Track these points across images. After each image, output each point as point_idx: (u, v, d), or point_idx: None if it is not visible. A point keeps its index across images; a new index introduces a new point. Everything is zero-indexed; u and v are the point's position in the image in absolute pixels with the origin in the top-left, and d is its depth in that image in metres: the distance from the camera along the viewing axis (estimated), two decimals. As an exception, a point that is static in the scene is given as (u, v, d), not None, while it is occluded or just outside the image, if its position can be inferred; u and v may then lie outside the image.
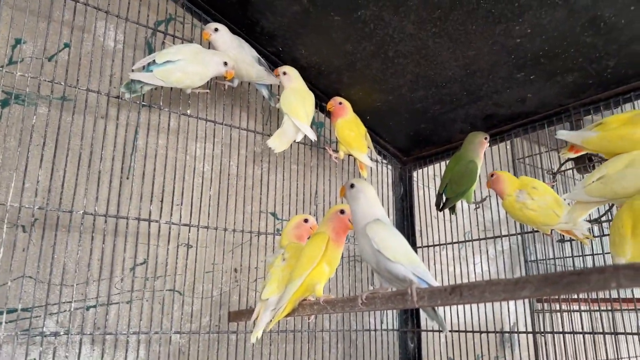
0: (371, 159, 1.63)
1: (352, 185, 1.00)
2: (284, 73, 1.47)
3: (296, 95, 1.44)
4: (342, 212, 1.04)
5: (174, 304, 1.32)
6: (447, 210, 1.75)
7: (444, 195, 1.58)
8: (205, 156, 1.46)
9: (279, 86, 1.59)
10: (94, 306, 1.20)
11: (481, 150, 1.49)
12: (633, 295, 1.67)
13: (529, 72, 1.32)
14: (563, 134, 1.21)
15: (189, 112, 1.36)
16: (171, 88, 1.34)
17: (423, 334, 1.75)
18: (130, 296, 1.25)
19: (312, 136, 1.45)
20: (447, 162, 1.60)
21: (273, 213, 1.58)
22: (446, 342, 1.89)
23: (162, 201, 1.30)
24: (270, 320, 1.07)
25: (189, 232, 1.33)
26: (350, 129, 1.56)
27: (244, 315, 1.24)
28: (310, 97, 1.49)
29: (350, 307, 0.95)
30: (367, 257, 0.95)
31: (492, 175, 1.26)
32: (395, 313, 1.76)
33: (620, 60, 1.19)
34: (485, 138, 1.49)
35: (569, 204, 1.27)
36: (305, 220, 1.20)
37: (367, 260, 0.96)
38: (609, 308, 1.94)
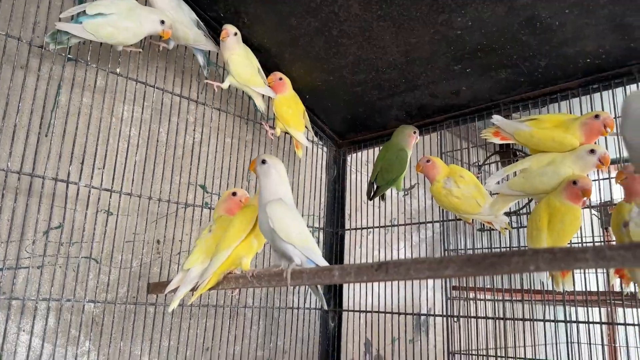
0: (307, 139, 1.62)
1: (263, 161, 1.01)
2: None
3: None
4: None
5: (89, 272, 1.25)
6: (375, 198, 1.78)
7: (374, 184, 1.60)
8: (133, 120, 1.38)
9: (217, 54, 1.53)
10: (1, 269, 1.11)
11: (410, 142, 1.53)
12: (543, 287, 1.79)
13: (465, 65, 1.35)
14: (498, 119, 1.26)
15: (118, 70, 1.28)
16: (101, 43, 1.25)
17: (344, 314, 1.78)
18: (41, 261, 1.16)
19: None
20: (379, 150, 1.62)
21: (202, 186, 1.53)
22: (365, 323, 1.94)
23: (82, 163, 1.21)
24: (193, 293, 1.05)
25: (110, 197, 1.26)
26: (288, 106, 1.54)
27: (164, 288, 1.19)
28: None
29: (277, 281, 0.94)
30: (264, 233, 0.99)
31: (428, 161, 1.29)
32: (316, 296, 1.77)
33: (551, 61, 1.25)
34: (415, 132, 1.53)
35: (491, 194, 1.33)
36: (234, 194, 1.17)
37: (265, 237, 1.00)
38: (516, 298, 2.07)
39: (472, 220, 1.38)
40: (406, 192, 1.62)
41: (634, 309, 2.21)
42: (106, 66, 1.27)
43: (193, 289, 1.06)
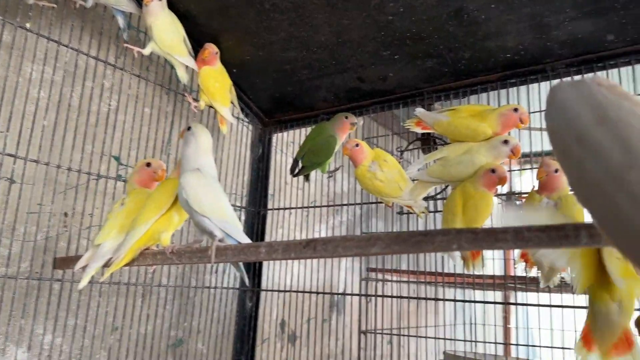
0: (233, 115, 1.58)
1: (189, 128, 0.98)
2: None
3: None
4: None
5: (-15, 244, 1.14)
6: (299, 178, 1.78)
7: (300, 162, 1.59)
8: (42, 81, 1.26)
9: (139, 17, 1.44)
10: None
11: (343, 130, 1.51)
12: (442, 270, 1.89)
13: (394, 51, 1.37)
14: (420, 111, 1.30)
15: (28, 25, 1.16)
16: (7, -7, 1.13)
17: (262, 294, 1.77)
18: None
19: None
20: (310, 130, 1.61)
21: (116, 157, 1.44)
22: (282, 303, 1.95)
23: (-19, 124, 1.10)
24: (105, 269, 0.99)
25: (14, 164, 1.15)
26: (215, 80, 1.48)
27: (72, 263, 1.11)
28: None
29: (199, 258, 0.91)
30: (182, 206, 0.95)
31: (356, 145, 1.30)
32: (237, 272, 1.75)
33: (474, 54, 1.30)
34: (347, 117, 1.51)
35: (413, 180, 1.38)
36: (148, 164, 1.10)
37: (184, 210, 0.96)
38: (426, 280, 2.18)
39: (392, 203, 1.41)
40: (330, 175, 1.63)
41: (528, 293, 2.41)
42: (14, 20, 1.15)
43: (105, 265, 1.00)
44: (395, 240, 0.69)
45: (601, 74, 1.19)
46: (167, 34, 1.34)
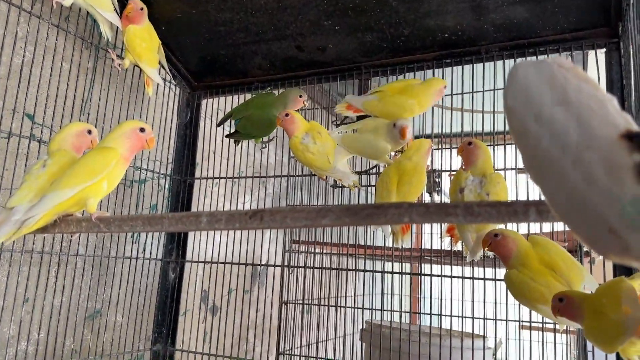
0: (160, 77, 1.48)
1: None
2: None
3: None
4: (142, 130, 0.93)
5: None
6: (227, 147, 1.72)
7: (233, 122, 1.51)
8: (-58, 22, 1.11)
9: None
10: None
11: (294, 107, 1.44)
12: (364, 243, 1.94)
13: (335, 21, 1.35)
14: (348, 97, 1.34)
15: None
16: None
17: (186, 265, 1.72)
18: None
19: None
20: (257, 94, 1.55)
21: (30, 115, 1.31)
22: (203, 274, 1.91)
23: None
24: (16, 232, 0.89)
25: None
26: (142, 39, 1.38)
27: (-20, 229, 1.00)
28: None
29: (131, 227, 0.85)
30: None
31: (287, 115, 1.27)
32: (161, 242, 1.68)
33: (413, 31, 1.31)
34: (301, 95, 1.45)
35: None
36: (89, 132, 1.02)
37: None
38: (346, 252, 2.23)
39: (326, 176, 1.41)
40: (264, 146, 1.59)
41: (442, 266, 2.55)
42: None
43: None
44: (346, 213, 0.68)
45: (530, 59, 1.25)
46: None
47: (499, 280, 1.32)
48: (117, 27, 1.36)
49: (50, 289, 1.32)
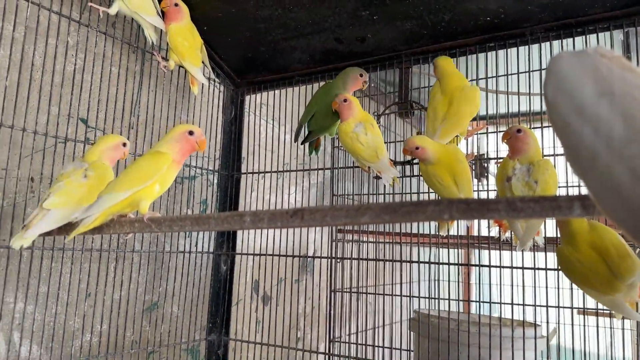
0: (204, 76, 1.52)
1: None
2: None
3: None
4: (191, 133, 0.96)
5: (-52, 212, 1.08)
6: (269, 141, 1.73)
7: (305, 127, 1.50)
8: (2, 38, 1.18)
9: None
10: None
11: (354, 87, 1.42)
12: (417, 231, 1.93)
13: (373, 11, 1.34)
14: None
15: (-18, -24, 1.07)
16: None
17: (237, 257, 1.76)
18: None
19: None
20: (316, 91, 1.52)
21: (84, 120, 1.38)
22: (253, 265, 1.95)
23: (-64, 84, 1.02)
24: (68, 233, 0.95)
25: (-25, 127, 1.08)
26: (184, 38, 1.42)
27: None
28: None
29: (180, 227, 0.88)
30: None
31: (345, 100, 1.26)
32: (212, 236, 1.74)
33: (454, 16, 1.28)
34: (361, 75, 1.42)
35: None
36: (124, 144, 1.07)
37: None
38: (394, 241, 2.22)
39: (369, 167, 1.41)
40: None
41: (490, 251, 2.49)
42: (-35, -32, 1.05)
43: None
44: (385, 210, 0.68)
45: (580, 39, 1.20)
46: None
47: (551, 269, 1.29)
48: (161, 31, 1.40)
49: (110, 284, 1.40)
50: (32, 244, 1.15)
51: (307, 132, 1.49)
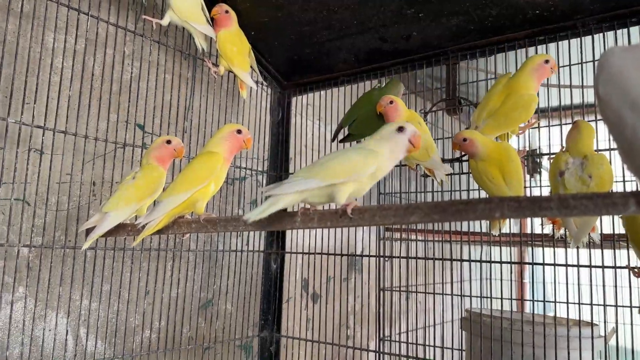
0: (252, 79, 1.56)
1: None
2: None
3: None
4: (239, 132, 1.00)
5: (23, 214, 1.16)
6: (315, 141, 1.75)
7: (345, 129, 1.51)
8: (65, 50, 1.25)
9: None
10: None
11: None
12: (466, 229, 1.90)
13: (418, 9, 1.34)
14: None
15: (47, -6, 1.15)
16: (25, -39, 1.11)
17: (286, 256, 1.80)
18: (-34, 204, 1.07)
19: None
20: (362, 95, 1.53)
21: (141, 125, 1.44)
22: (302, 264, 1.98)
23: (9, 97, 1.10)
24: (135, 236, 1.00)
25: (43, 135, 1.16)
26: (233, 43, 1.46)
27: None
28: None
29: (234, 226, 0.92)
30: None
31: (391, 102, 1.26)
32: (262, 235, 1.78)
33: (501, 11, 1.26)
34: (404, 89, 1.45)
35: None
36: (168, 142, 1.10)
37: None
38: (442, 239, 2.20)
39: (416, 166, 1.41)
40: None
41: (544, 249, 2.42)
42: (32, -12, 1.13)
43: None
44: (435, 209, 0.69)
45: (635, 29, 1.16)
46: (185, 1, 1.32)
47: (608, 267, 1.25)
48: (211, 38, 1.45)
49: (167, 282, 1.46)
50: (95, 245, 1.23)
51: (346, 134, 1.50)
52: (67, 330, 1.25)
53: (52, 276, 1.21)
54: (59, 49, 1.25)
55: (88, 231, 1.18)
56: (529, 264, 1.66)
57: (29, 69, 1.15)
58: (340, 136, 1.53)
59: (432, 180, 1.44)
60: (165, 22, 1.33)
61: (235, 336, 1.66)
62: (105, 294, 1.33)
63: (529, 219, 3.15)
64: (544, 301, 1.79)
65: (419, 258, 1.72)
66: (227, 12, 1.42)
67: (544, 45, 1.29)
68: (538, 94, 1.25)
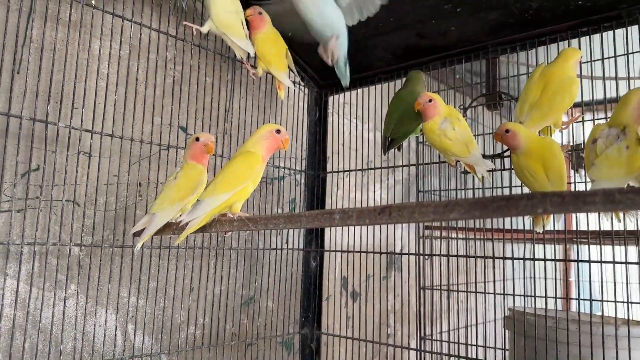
0: (290, 80, 1.58)
1: None
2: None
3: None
4: (277, 131, 1.02)
5: (73, 215, 1.22)
6: (352, 139, 1.75)
7: (388, 138, 1.51)
8: (110, 56, 1.30)
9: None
10: (-21, 214, 1.07)
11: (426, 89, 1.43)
12: (507, 226, 1.86)
13: (455, 4, 1.32)
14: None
15: (93, 3, 1.20)
16: (73, -28, 1.16)
17: (325, 254, 1.81)
18: (23, 204, 1.12)
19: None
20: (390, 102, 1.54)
21: (183, 128, 1.48)
22: (341, 262, 1.99)
23: (59, 102, 1.15)
24: (178, 234, 1.04)
25: (91, 139, 1.21)
26: (270, 45, 1.48)
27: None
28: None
29: (275, 225, 0.94)
30: None
31: (430, 100, 1.25)
32: (301, 234, 1.80)
33: (542, 3, 1.23)
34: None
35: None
36: (197, 139, 1.11)
37: None
38: (484, 237, 2.16)
39: (456, 162, 1.39)
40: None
41: (591, 246, 2.35)
42: (80, -2, 1.18)
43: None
44: (475, 206, 0.68)
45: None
46: (224, 12, 1.34)
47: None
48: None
49: (210, 279, 1.50)
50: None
51: (389, 140, 1.49)
52: (116, 326, 1.31)
53: (102, 274, 1.26)
54: (105, 55, 1.31)
55: (136, 233, 1.23)
56: (574, 261, 1.62)
57: (77, 75, 1.21)
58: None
59: (473, 177, 1.42)
60: (204, 29, 1.35)
61: (277, 333, 1.69)
62: (152, 291, 1.37)
63: (574, 215, 3.05)
64: (590, 300, 1.74)
65: (460, 256, 1.70)
66: (260, 13, 1.43)
67: (588, 37, 1.25)
68: (582, 87, 1.21)
